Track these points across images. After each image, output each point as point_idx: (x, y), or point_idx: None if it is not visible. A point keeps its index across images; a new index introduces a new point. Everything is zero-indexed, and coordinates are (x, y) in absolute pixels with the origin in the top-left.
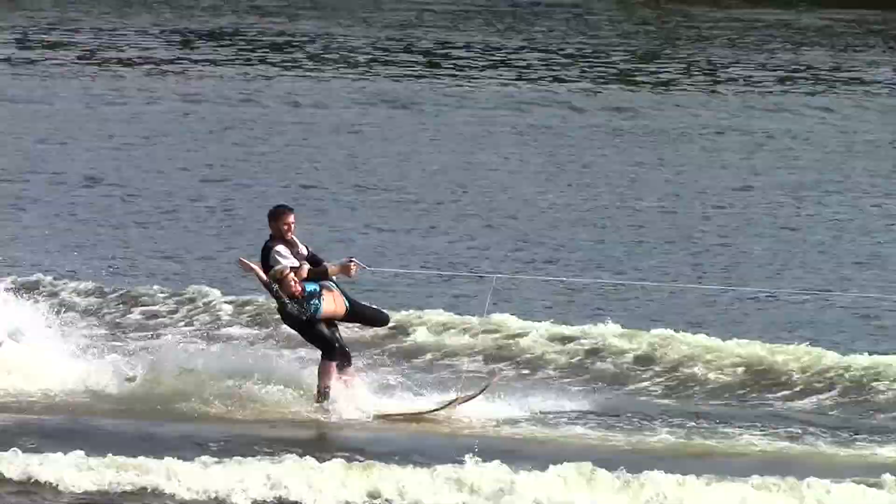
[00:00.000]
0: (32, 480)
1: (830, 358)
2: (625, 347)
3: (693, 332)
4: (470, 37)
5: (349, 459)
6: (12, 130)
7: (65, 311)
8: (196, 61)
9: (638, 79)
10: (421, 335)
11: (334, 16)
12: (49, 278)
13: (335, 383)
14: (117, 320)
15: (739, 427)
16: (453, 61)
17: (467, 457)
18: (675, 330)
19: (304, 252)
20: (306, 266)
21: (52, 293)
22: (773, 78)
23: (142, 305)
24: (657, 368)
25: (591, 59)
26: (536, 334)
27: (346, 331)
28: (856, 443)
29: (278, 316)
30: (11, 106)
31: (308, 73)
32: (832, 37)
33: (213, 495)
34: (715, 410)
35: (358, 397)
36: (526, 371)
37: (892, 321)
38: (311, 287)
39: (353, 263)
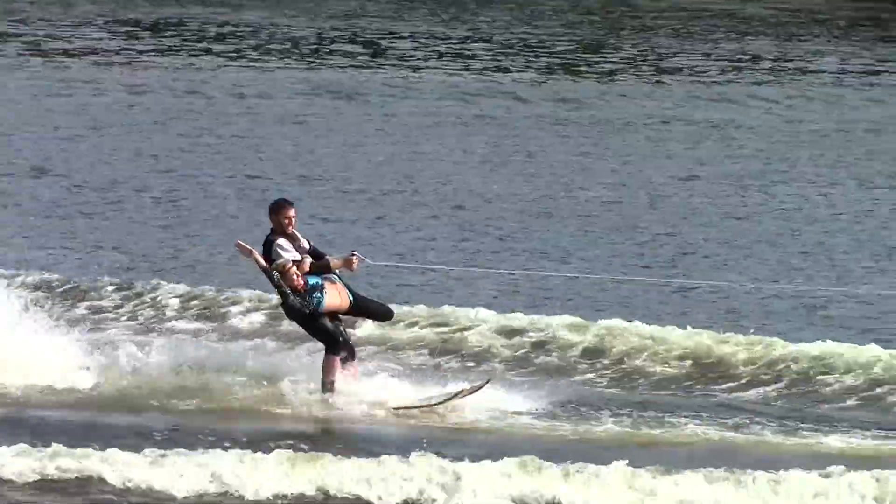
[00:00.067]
0: None
1: (777, 348)
2: (572, 339)
3: (640, 322)
4: (415, 27)
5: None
6: None
7: (13, 303)
8: (141, 52)
9: (583, 69)
10: (366, 328)
11: (279, 6)
12: None
13: (339, 377)
14: (65, 313)
15: (686, 417)
16: (398, 51)
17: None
18: (624, 320)
19: (306, 246)
20: (308, 259)
21: None
22: (718, 68)
23: (89, 300)
24: (605, 360)
25: (536, 49)
26: (484, 327)
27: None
28: (802, 432)
29: (280, 311)
30: None
31: (253, 64)
32: (777, 26)
33: (152, 486)
34: (662, 400)
35: (362, 391)
36: (471, 364)
37: (839, 311)
38: (313, 280)
39: (355, 257)
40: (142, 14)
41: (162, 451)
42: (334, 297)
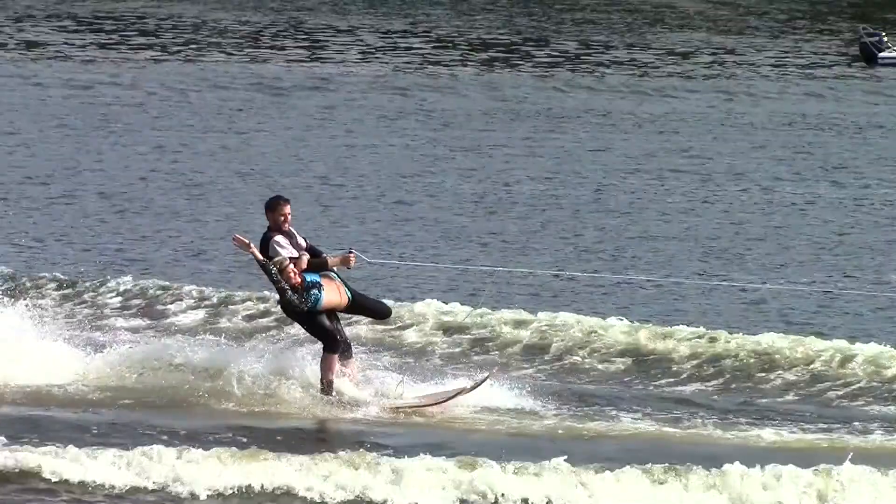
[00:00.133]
0: None
1: (720, 342)
2: (513, 334)
3: (582, 316)
4: (352, 20)
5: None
6: None
7: None
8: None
9: (521, 62)
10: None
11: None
12: None
13: (338, 376)
14: (5, 309)
15: (625, 411)
16: (335, 45)
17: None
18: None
19: (303, 243)
20: (306, 256)
21: None
22: (656, 61)
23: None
24: (546, 356)
25: (474, 43)
26: (426, 323)
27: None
28: (742, 426)
29: (279, 308)
30: None
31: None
32: (716, 20)
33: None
34: (602, 394)
35: (361, 389)
36: (410, 360)
37: (781, 306)
38: (311, 278)
39: (352, 255)
40: (79, 9)
41: (98, 446)
42: (332, 294)
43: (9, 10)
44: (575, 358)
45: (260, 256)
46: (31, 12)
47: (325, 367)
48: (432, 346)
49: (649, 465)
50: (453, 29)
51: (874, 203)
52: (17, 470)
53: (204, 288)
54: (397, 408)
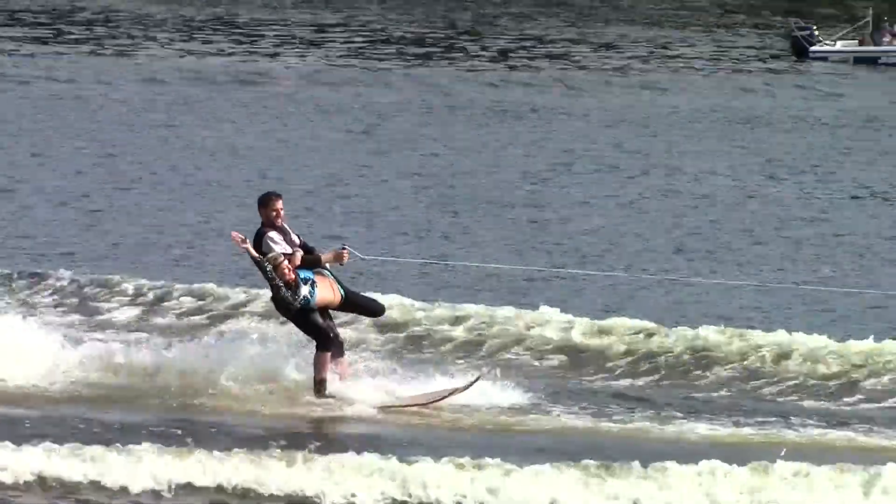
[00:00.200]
0: None
1: (655, 338)
2: (449, 331)
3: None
4: (285, 14)
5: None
6: None
7: None
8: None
9: (448, 56)
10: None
11: None
12: None
13: (331, 374)
14: None
15: (559, 406)
16: (270, 39)
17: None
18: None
19: (297, 240)
20: (299, 253)
21: None
22: (591, 55)
23: None
24: (481, 352)
25: (403, 37)
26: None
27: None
28: (675, 420)
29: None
30: None
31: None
32: (651, 15)
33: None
34: (537, 390)
35: (352, 388)
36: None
37: (715, 300)
38: (304, 275)
39: (345, 251)
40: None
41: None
42: (326, 291)
43: None
44: (509, 355)
45: (255, 253)
46: None
47: (318, 366)
48: (366, 344)
49: (582, 461)
50: (385, 22)
51: (808, 197)
52: None
53: (144, 281)
54: (388, 407)
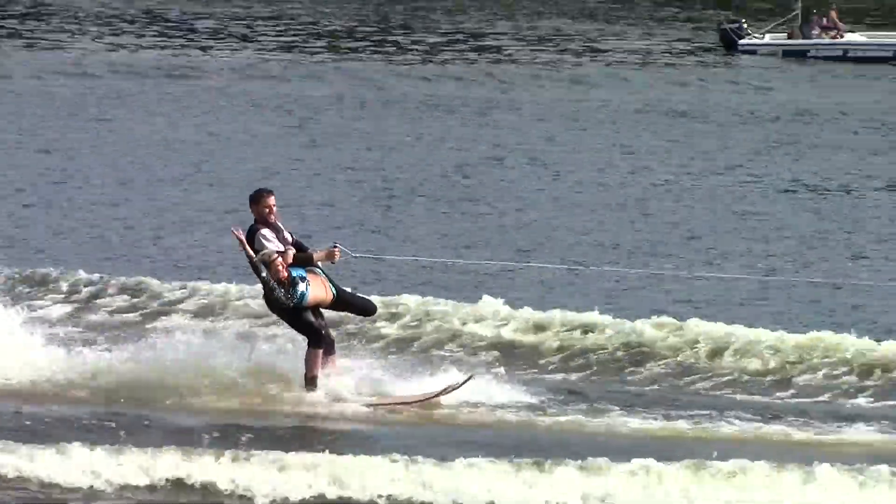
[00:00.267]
0: None
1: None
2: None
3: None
4: (216, 8)
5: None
6: None
7: None
8: None
9: (381, 50)
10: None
11: None
12: None
13: (322, 372)
14: None
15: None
16: (200, 33)
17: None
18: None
19: (289, 237)
20: (292, 251)
21: None
22: (522, 48)
23: None
24: (413, 348)
25: (335, 30)
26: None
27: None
28: (609, 414)
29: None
30: None
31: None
32: (583, 8)
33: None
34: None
35: (343, 386)
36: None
37: (649, 293)
38: (297, 273)
39: (336, 249)
40: None
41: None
42: (318, 290)
43: None
44: (439, 350)
45: (251, 252)
46: None
47: (310, 363)
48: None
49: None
50: (321, 17)
51: (740, 190)
52: None
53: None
54: (378, 405)
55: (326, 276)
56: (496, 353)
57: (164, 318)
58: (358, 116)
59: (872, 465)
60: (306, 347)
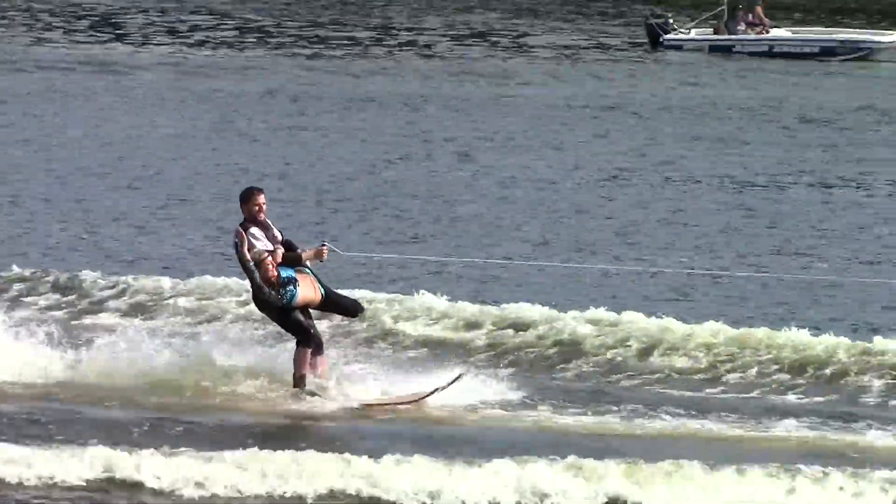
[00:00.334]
0: None
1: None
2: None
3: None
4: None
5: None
6: None
7: None
8: None
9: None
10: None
11: None
12: None
13: (310, 371)
14: None
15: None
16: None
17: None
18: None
19: (279, 235)
20: (281, 250)
21: None
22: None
23: None
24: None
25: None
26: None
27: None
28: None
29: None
30: None
31: None
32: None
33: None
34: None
35: (332, 385)
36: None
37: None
38: (287, 273)
39: (325, 248)
40: None
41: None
42: (308, 290)
43: None
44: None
45: (245, 253)
46: None
47: (298, 362)
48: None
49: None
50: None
51: (667, 184)
52: None
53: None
54: (369, 405)
55: (315, 275)
56: (426, 350)
57: (97, 314)
58: (288, 113)
59: (804, 461)
60: (295, 346)
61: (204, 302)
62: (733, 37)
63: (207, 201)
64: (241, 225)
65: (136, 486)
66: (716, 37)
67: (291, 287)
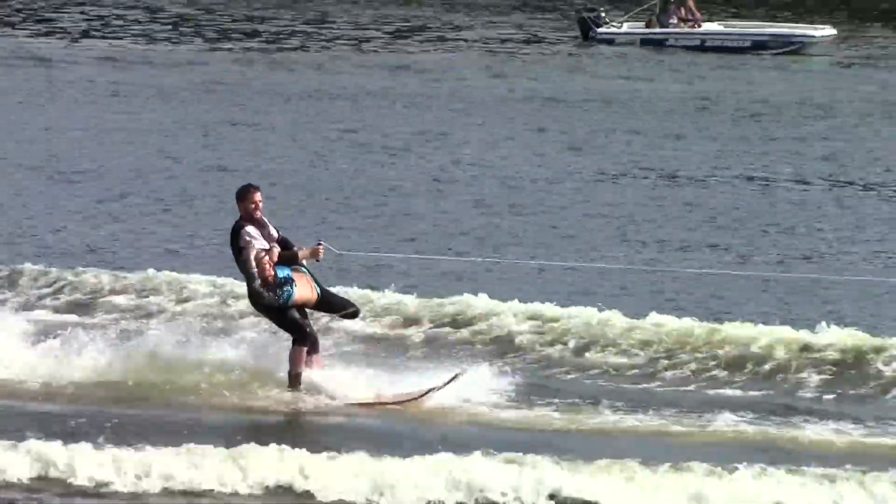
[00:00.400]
0: None
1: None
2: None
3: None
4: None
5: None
6: None
7: None
8: None
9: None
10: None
11: None
12: None
13: (306, 370)
14: None
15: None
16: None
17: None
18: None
19: (275, 234)
20: (277, 249)
21: None
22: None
23: None
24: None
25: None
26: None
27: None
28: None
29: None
30: None
31: None
32: None
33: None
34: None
35: (328, 384)
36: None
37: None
38: (283, 273)
39: (321, 246)
40: None
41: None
42: (304, 289)
43: None
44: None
45: (244, 252)
46: None
47: (294, 360)
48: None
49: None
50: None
51: (600, 178)
52: None
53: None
54: (364, 404)
55: (311, 275)
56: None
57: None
58: (211, 107)
59: (743, 456)
60: (291, 345)
61: (143, 300)
62: (665, 30)
63: (147, 194)
64: (236, 223)
65: (71, 482)
66: (648, 30)
67: (288, 287)
